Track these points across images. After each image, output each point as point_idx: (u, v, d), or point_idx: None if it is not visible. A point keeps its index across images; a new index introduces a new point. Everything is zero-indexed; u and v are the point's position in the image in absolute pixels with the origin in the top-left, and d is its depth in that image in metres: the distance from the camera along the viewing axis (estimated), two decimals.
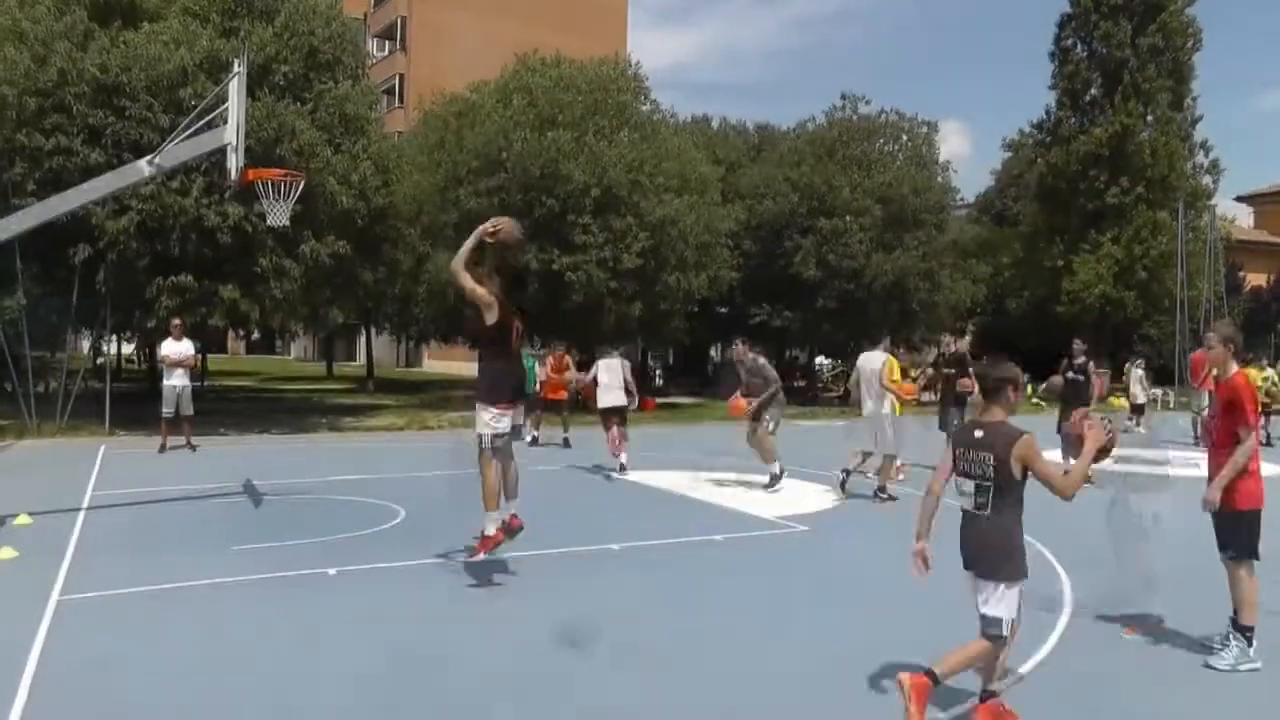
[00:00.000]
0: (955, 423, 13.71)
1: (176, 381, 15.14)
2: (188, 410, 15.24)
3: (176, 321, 15.77)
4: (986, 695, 4.73)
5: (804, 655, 5.87)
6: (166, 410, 15.09)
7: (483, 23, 51.31)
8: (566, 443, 16.80)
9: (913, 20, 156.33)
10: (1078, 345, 14.41)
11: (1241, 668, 5.59)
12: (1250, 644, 5.65)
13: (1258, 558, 5.75)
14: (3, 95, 16.37)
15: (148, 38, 17.40)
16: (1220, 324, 6.24)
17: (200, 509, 10.45)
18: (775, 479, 12.03)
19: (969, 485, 4.76)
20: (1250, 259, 48.24)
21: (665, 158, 24.52)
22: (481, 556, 7.18)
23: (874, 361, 11.98)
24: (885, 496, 11.57)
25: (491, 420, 7.05)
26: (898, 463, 13.15)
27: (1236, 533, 5.70)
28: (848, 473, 11.88)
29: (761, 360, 12.62)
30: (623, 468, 13.66)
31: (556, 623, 6.40)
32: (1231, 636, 5.68)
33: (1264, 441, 18.24)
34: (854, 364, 13.39)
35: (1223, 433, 5.77)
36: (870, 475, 11.88)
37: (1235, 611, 5.72)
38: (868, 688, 5.34)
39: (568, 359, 18.27)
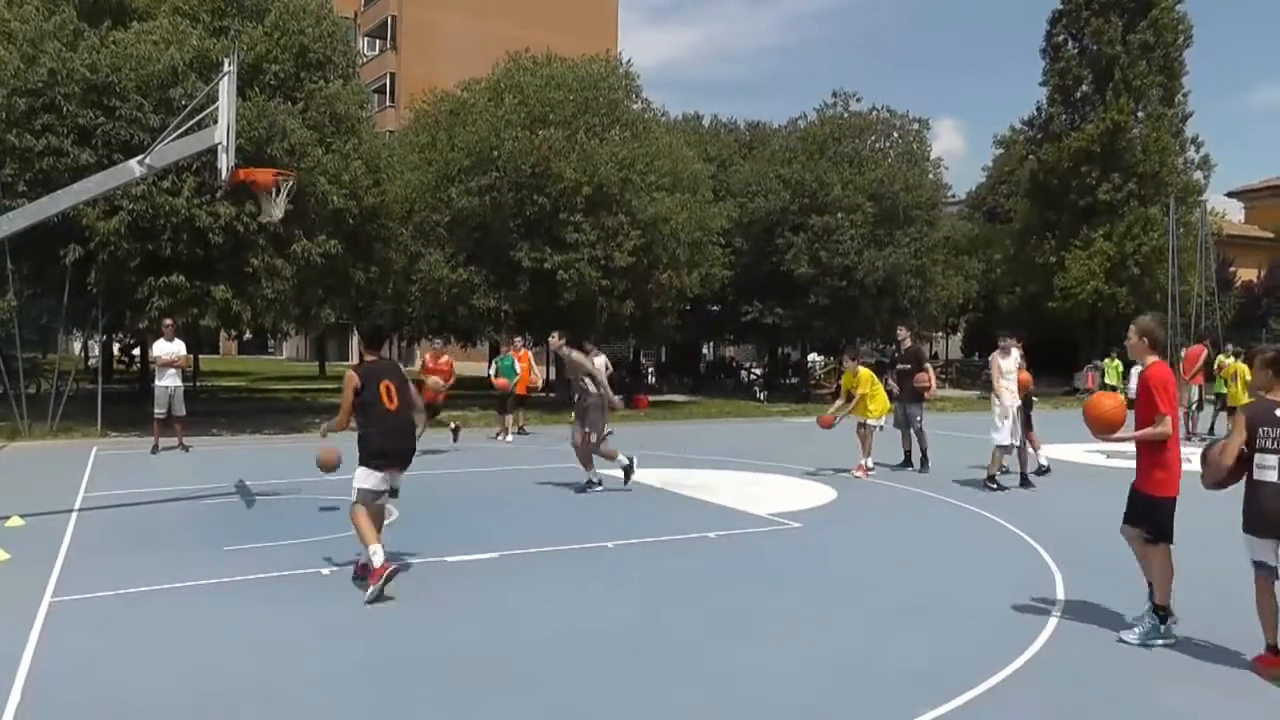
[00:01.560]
0: (918, 419, 13.77)
1: (169, 382, 15.10)
2: (180, 411, 15.22)
3: (168, 322, 15.75)
4: (1272, 649, 5.38)
5: (800, 652, 5.88)
6: (159, 411, 15.07)
7: (473, 21, 51.32)
8: (522, 430, 17.74)
9: (906, 18, 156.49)
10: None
11: (1152, 643, 5.89)
12: (1163, 621, 5.95)
13: (1170, 541, 5.97)
14: None
15: (137, 37, 17.32)
16: (1141, 319, 6.46)
17: (193, 509, 10.43)
18: (629, 471, 11.94)
19: (1273, 460, 5.39)
20: (1241, 254, 48.39)
21: (657, 156, 24.49)
22: (373, 590, 6.73)
23: (1011, 362, 12.47)
24: (994, 487, 12.16)
25: (364, 478, 7.15)
26: (869, 463, 13.29)
27: (1150, 517, 6.00)
28: (998, 473, 12.37)
29: (577, 356, 12.03)
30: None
31: (551, 621, 6.42)
32: (1147, 615, 6.01)
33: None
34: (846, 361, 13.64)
35: (1141, 421, 6.05)
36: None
37: (1150, 590, 6.05)
38: (864, 683, 5.36)
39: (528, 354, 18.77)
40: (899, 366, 14.28)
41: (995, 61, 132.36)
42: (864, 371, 13.44)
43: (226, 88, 9.83)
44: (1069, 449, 15.79)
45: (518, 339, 19.96)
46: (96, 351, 26.19)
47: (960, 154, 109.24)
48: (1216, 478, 5.65)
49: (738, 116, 46.78)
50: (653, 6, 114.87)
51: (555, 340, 12.54)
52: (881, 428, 13.48)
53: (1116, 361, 27.43)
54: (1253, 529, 5.51)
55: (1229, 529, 5.81)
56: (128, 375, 30.48)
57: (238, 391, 32.52)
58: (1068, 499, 11.85)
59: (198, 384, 29.74)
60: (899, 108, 32.68)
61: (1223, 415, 19.77)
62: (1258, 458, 5.44)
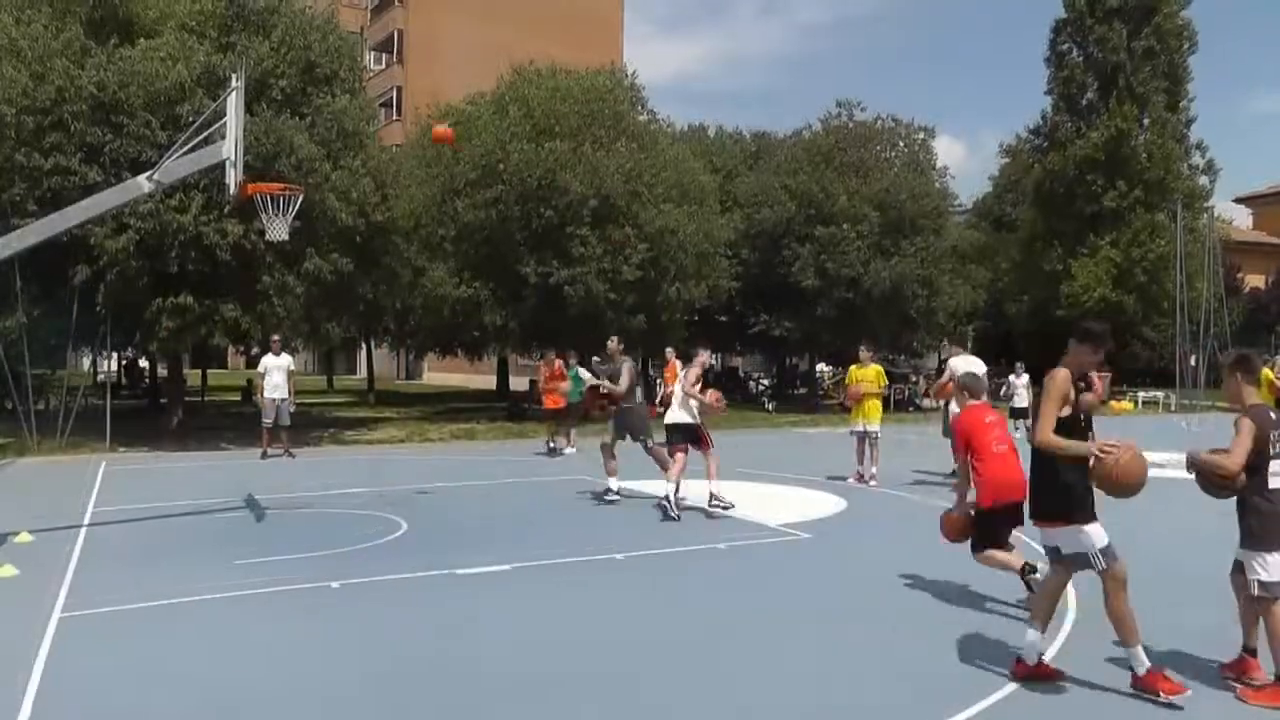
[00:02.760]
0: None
1: (275, 395, 16.78)
2: (285, 421, 17.08)
3: (276, 337, 17.37)
4: None
5: (808, 661, 5.87)
6: (266, 420, 16.86)
7: (479, 35, 51.45)
8: (552, 451, 17.10)
9: (910, 25, 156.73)
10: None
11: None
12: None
13: (982, 546, 6.47)
14: (1, 114, 16.39)
15: (144, 54, 17.40)
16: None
17: (201, 523, 10.45)
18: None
19: None
20: (1248, 260, 48.27)
21: (663, 167, 24.54)
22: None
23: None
24: None
25: None
26: (873, 469, 13.30)
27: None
28: None
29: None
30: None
31: (559, 632, 6.41)
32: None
33: None
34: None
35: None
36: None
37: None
38: (870, 691, 5.34)
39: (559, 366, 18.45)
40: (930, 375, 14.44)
41: (1000, 68, 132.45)
42: (875, 367, 13.57)
43: (234, 103, 9.87)
44: None
45: (553, 354, 19.34)
46: (104, 368, 26.33)
47: (964, 161, 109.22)
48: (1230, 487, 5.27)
49: (743, 127, 46.73)
50: (659, 18, 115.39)
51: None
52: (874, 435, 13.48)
53: None
54: (1274, 540, 5.10)
55: (1228, 533, 5.77)
56: (138, 385, 30.62)
57: (247, 404, 32.51)
58: None
59: (205, 398, 29.83)
60: (904, 116, 32.67)
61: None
62: (1273, 464, 5.15)
